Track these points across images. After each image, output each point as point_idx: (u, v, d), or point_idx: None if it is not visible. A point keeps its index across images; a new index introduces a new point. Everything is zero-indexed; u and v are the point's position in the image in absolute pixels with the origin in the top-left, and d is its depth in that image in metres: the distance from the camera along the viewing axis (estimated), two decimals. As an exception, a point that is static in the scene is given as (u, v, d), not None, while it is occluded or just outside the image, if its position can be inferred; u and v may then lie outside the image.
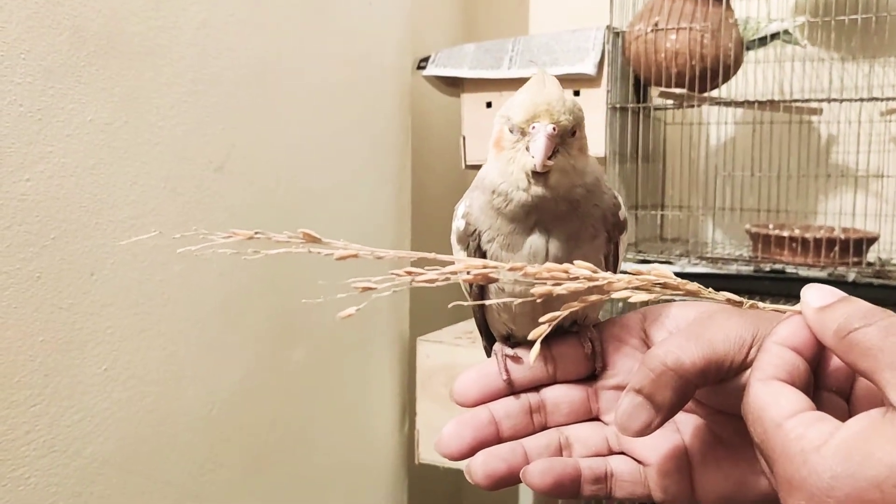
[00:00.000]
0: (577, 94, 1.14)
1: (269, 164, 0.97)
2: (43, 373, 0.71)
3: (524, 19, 1.51)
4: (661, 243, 1.31)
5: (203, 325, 0.88)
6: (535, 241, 0.42)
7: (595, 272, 0.33)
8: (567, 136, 0.41)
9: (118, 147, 0.77)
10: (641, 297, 0.33)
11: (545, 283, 0.33)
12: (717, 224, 1.35)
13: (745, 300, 0.36)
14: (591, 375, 0.42)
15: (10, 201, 0.68)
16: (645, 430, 0.35)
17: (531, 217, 0.41)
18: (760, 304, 0.36)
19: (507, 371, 0.41)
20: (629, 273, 0.33)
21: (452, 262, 0.32)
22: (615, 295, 0.33)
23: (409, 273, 0.30)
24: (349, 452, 1.16)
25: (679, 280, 0.34)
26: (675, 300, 0.37)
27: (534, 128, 0.40)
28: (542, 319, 0.33)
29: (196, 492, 0.88)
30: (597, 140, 1.12)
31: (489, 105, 1.21)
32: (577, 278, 0.33)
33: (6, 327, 0.68)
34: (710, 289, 0.35)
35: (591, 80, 1.13)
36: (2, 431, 0.68)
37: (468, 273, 0.32)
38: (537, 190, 0.41)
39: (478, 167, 0.52)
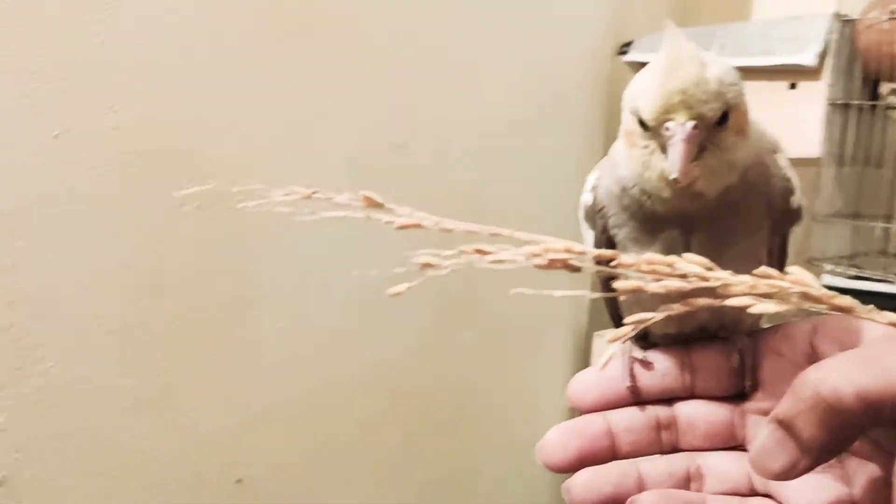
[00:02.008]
0: (793, 86, 1.04)
1: (454, 145, 0.97)
2: (221, 327, 0.76)
3: (746, 5, 1.40)
4: (885, 259, 1.16)
5: (377, 292, 0.90)
6: (673, 236, 0.35)
7: (710, 269, 0.27)
8: (715, 127, 0.33)
9: (304, 121, 0.80)
10: (767, 307, 0.26)
11: (655, 279, 0.27)
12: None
13: None
14: (739, 394, 0.34)
15: (200, 164, 0.73)
16: (786, 474, 0.27)
17: (668, 219, 0.35)
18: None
19: (632, 376, 0.34)
20: (756, 276, 0.27)
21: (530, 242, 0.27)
22: (731, 302, 0.27)
23: (479, 252, 0.26)
24: (512, 439, 1.15)
25: (825, 291, 0.27)
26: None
27: (667, 129, 0.32)
28: (627, 320, 0.27)
29: (357, 449, 0.91)
30: (812, 139, 1.01)
31: (693, 96, 1.13)
32: (683, 275, 0.27)
33: (193, 282, 0.74)
34: (872, 306, 0.27)
35: (810, 73, 1.02)
36: (181, 376, 0.74)
37: (539, 257, 0.27)
38: (681, 199, 0.33)
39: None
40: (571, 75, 1.14)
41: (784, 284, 0.26)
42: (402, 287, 0.25)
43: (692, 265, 0.26)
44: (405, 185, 0.91)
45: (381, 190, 0.91)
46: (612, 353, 0.27)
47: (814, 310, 0.27)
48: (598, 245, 0.39)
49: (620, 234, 0.37)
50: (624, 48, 1.20)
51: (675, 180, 0.32)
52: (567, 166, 1.15)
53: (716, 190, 0.33)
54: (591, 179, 0.39)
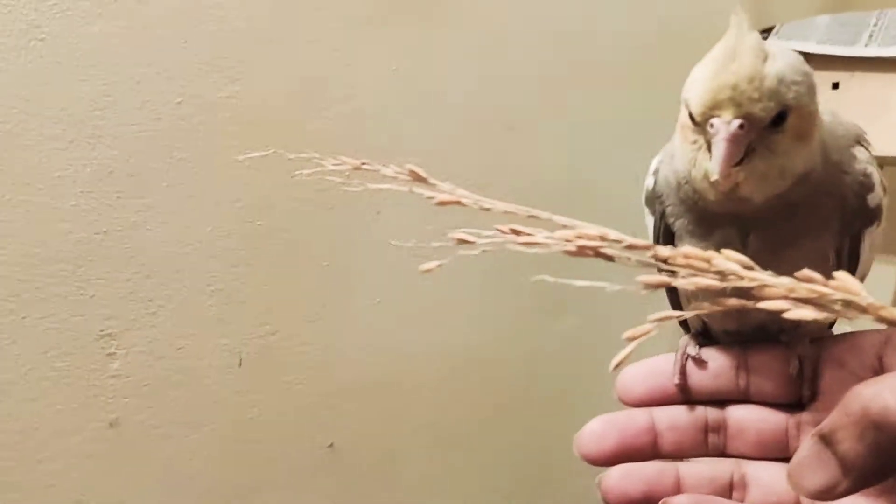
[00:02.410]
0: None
1: (564, 131, 0.95)
2: (318, 297, 0.79)
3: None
4: None
5: (473, 273, 0.90)
6: (729, 233, 0.33)
7: (749, 268, 0.25)
8: (768, 128, 0.30)
9: (412, 98, 0.81)
10: (805, 313, 0.24)
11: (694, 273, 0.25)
12: None
13: None
14: (797, 403, 0.32)
15: (309, 134, 0.75)
16: (823, 494, 0.25)
17: (721, 218, 0.33)
18: None
19: (682, 373, 0.33)
20: (797, 279, 0.24)
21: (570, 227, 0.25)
22: (764, 305, 0.24)
23: (515, 231, 0.25)
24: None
25: (871, 301, 0.24)
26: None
27: (711, 125, 0.30)
28: (651, 318, 0.26)
29: (444, 425, 0.91)
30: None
31: (835, 86, 1.06)
32: (719, 273, 0.24)
33: (295, 253, 0.76)
34: None
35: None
36: (278, 340, 0.77)
37: (569, 242, 0.25)
38: (727, 202, 0.31)
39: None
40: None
41: (826, 290, 0.24)
42: (433, 264, 0.25)
43: (730, 262, 0.24)
44: (512, 167, 0.90)
45: (488, 168, 0.90)
46: (629, 351, 0.25)
47: (854, 317, 0.25)
48: (656, 232, 0.38)
49: (678, 224, 0.35)
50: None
51: (716, 182, 0.30)
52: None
53: (763, 196, 0.31)
54: (654, 163, 0.38)
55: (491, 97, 0.87)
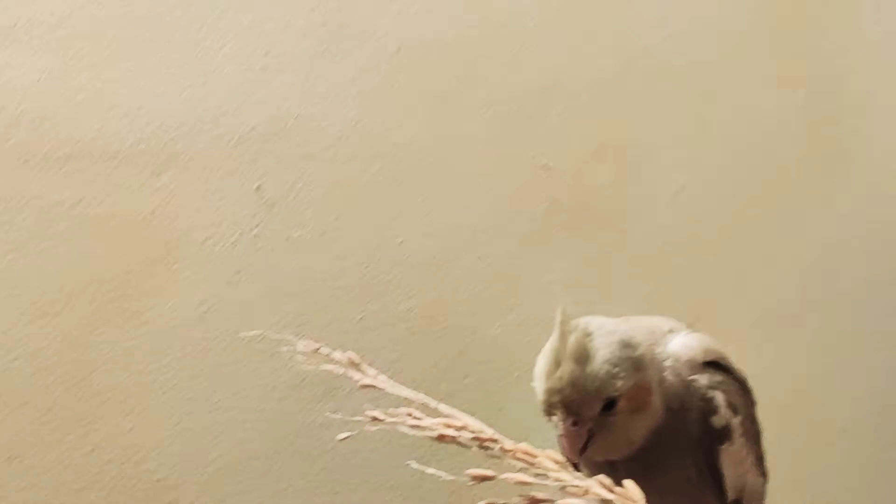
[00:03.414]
0: None
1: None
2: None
3: None
4: None
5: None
6: (602, 467, 0.37)
7: (560, 464, 0.30)
8: (601, 416, 0.36)
9: (581, 303, 0.87)
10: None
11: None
12: None
13: None
14: None
15: (483, 342, 0.82)
16: None
17: None
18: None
19: None
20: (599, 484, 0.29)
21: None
22: (563, 502, 0.29)
23: (410, 415, 0.31)
24: None
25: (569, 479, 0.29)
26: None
27: (551, 420, 0.36)
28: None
29: None
30: None
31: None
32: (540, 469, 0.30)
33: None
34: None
35: None
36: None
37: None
38: (584, 462, 0.36)
39: None
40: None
41: (612, 497, 0.28)
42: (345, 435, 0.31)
43: (548, 461, 0.30)
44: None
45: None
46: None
47: None
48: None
49: None
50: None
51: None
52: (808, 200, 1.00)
53: (615, 456, 0.36)
54: None
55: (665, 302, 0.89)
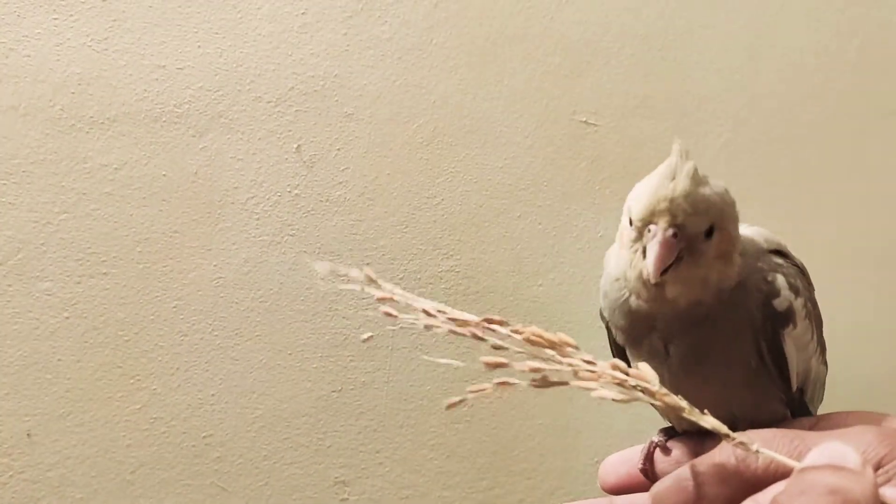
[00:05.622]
0: None
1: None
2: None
3: None
4: None
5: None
6: (655, 344, 0.37)
7: (574, 347, 0.29)
8: (698, 240, 0.35)
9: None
10: (606, 393, 0.28)
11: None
12: None
13: (732, 434, 0.29)
14: None
15: (524, 302, 0.82)
16: None
17: (648, 322, 0.37)
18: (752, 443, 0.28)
19: (647, 459, 0.36)
20: (610, 367, 0.29)
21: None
22: (577, 384, 0.28)
23: (426, 313, 0.31)
24: None
25: (659, 389, 0.28)
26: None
27: (649, 230, 0.35)
28: (449, 401, 0.30)
29: None
30: None
31: None
32: (549, 359, 0.29)
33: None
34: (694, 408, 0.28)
35: None
36: (498, 495, 0.82)
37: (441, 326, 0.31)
38: (652, 302, 0.35)
39: None
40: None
41: (626, 378, 0.28)
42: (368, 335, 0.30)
43: (566, 340, 0.29)
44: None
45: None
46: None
47: (648, 402, 0.29)
48: (610, 344, 0.42)
49: (618, 338, 0.39)
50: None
51: (647, 280, 0.34)
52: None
53: (686, 300, 0.35)
54: (602, 283, 0.41)
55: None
